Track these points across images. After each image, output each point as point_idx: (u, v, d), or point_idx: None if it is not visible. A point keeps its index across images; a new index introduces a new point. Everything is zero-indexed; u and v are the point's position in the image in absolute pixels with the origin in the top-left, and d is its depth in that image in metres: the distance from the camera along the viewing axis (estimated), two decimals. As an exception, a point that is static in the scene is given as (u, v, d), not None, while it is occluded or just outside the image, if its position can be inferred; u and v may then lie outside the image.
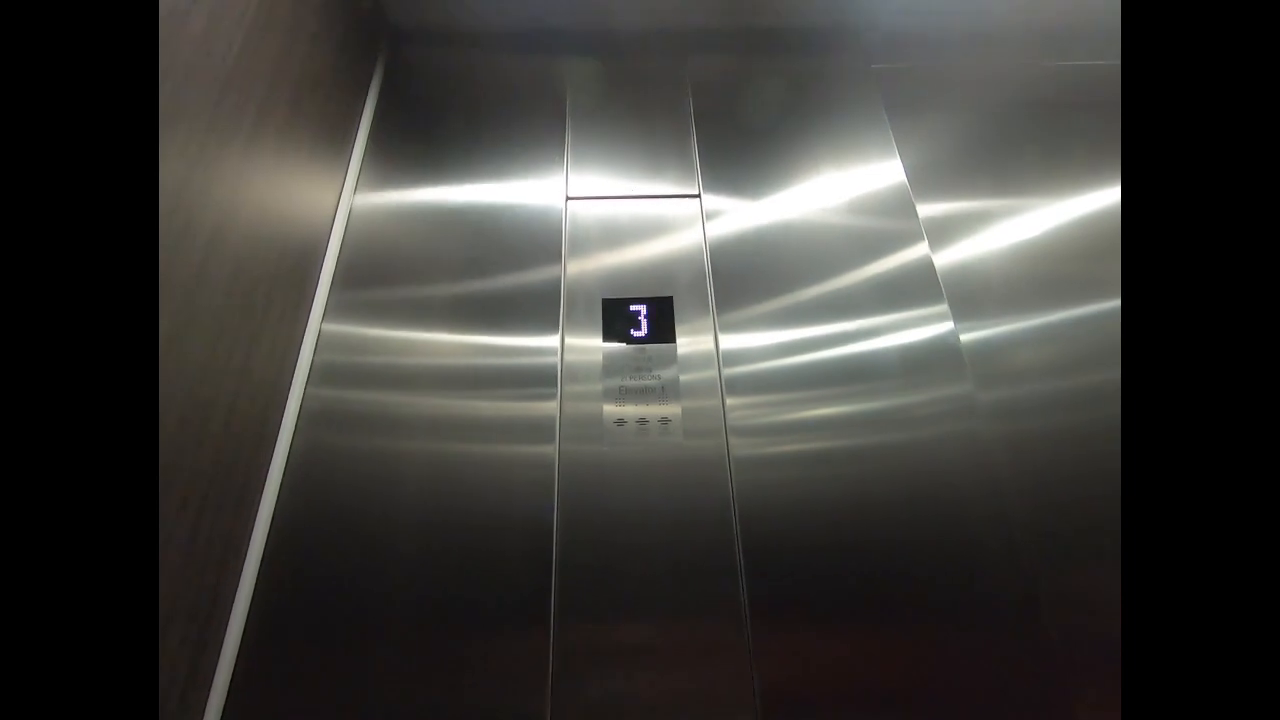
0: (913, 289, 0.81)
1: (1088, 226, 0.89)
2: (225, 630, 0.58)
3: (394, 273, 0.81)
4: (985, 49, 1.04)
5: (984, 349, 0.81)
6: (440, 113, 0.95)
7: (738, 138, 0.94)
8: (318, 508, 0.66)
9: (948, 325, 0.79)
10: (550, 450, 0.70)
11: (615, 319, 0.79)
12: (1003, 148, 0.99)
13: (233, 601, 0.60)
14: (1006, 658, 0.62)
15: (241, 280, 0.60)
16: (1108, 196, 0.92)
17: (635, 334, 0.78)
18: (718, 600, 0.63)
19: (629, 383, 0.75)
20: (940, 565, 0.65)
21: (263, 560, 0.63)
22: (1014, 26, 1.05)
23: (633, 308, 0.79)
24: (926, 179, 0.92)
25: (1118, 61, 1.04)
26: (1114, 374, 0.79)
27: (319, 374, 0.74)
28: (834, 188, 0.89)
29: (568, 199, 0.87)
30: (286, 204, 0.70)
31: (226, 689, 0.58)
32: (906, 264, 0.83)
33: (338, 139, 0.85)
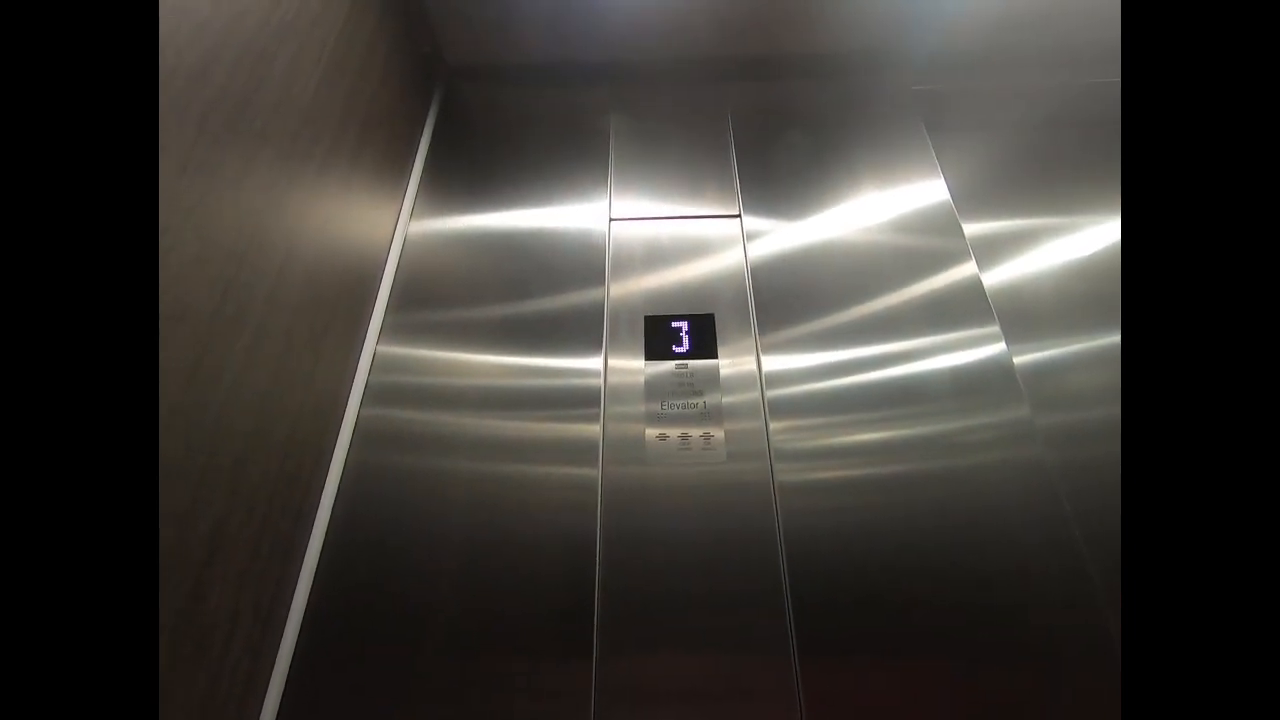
0: (961, 309, 0.80)
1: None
2: (282, 635, 0.60)
3: (445, 296, 0.84)
4: (1025, 68, 1.04)
5: (1039, 371, 0.79)
6: (490, 143, 1.00)
7: (778, 159, 0.95)
8: (369, 524, 0.68)
9: (1000, 346, 0.77)
10: (594, 473, 0.70)
11: (657, 335, 0.80)
12: (1047, 166, 0.98)
13: (289, 607, 0.62)
14: (1069, 697, 0.58)
15: (308, 302, 0.64)
16: None
17: (677, 350, 0.79)
18: (763, 633, 0.61)
19: (671, 404, 0.75)
20: (996, 598, 0.62)
21: (317, 571, 0.65)
22: (1052, 45, 1.04)
23: (675, 324, 0.80)
24: (971, 198, 0.91)
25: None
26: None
27: (373, 393, 0.77)
28: (876, 207, 0.89)
29: (611, 220, 0.89)
30: (348, 231, 0.75)
31: (281, 693, 0.59)
32: (954, 283, 0.82)
33: (396, 170, 0.90)
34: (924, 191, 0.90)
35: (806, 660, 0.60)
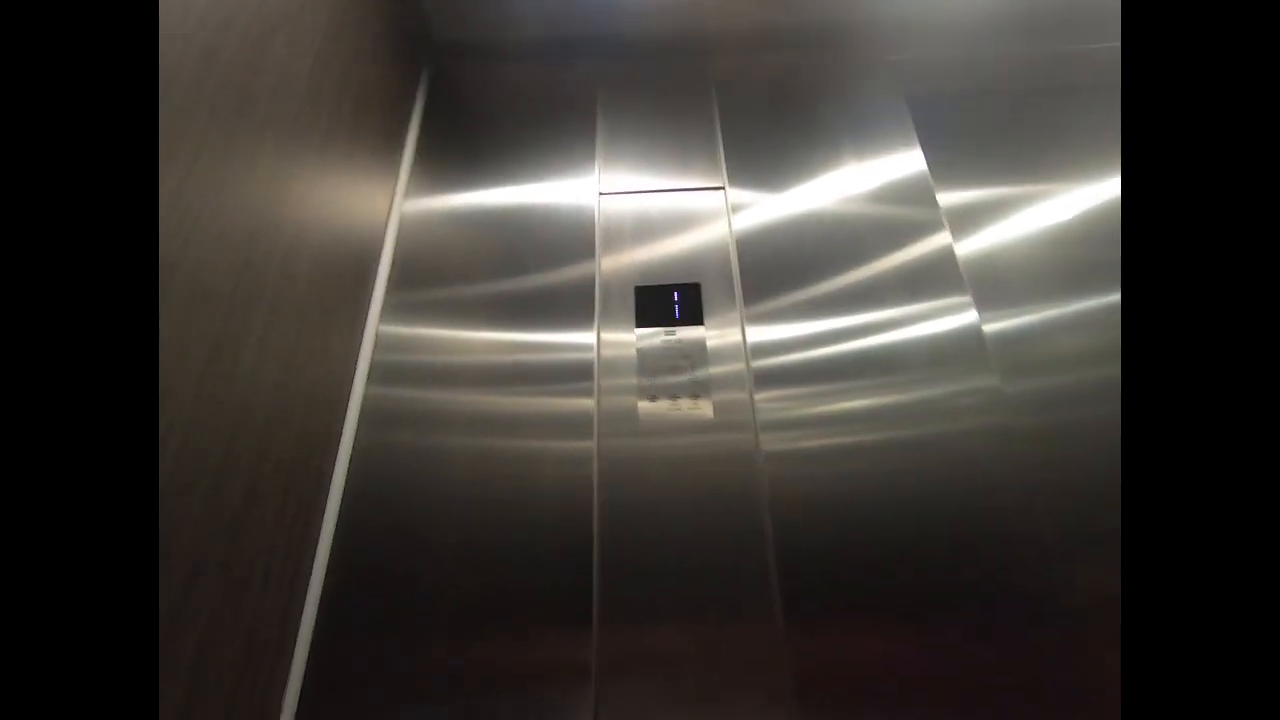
0: (935, 279, 0.84)
1: (1113, 211, 0.90)
2: (305, 599, 0.65)
3: (441, 274, 0.87)
4: (1002, 36, 1.06)
5: (1009, 339, 0.81)
6: (479, 121, 1.01)
7: (761, 131, 0.98)
8: (376, 500, 0.72)
9: (971, 315, 0.81)
10: (589, 445, 0.74)
11: (648, 305, 0.84)
12: (1021, 134, 0.99)
13: (310, 573, 0.66)
14: (1035, 652, 0.62)
15: (316, 280, 0.68)
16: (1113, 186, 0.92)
17: (666, 319, 0.83)
18: (751, 596, 0.65)
19: (662, 376, 0.79)
20: (969, 559, 0.66)
21: (334, 541, 0.69)
22: (1030, 12, 1.06)
23: (664, 294, 0.84)
24: (947, 167, 0.94)
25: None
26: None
27: (378, 372, 0.80)
28: (855, 178, 0.92)
29: (600, 195, 0.92)
30: (348, 210, 0.78)
31: (307, 654, 0.64)
32: (928, 254, 0.86)
33: (390, 149, 0.92)
34: (901, 162, 0.93)
35: (791, 624, 0.64)
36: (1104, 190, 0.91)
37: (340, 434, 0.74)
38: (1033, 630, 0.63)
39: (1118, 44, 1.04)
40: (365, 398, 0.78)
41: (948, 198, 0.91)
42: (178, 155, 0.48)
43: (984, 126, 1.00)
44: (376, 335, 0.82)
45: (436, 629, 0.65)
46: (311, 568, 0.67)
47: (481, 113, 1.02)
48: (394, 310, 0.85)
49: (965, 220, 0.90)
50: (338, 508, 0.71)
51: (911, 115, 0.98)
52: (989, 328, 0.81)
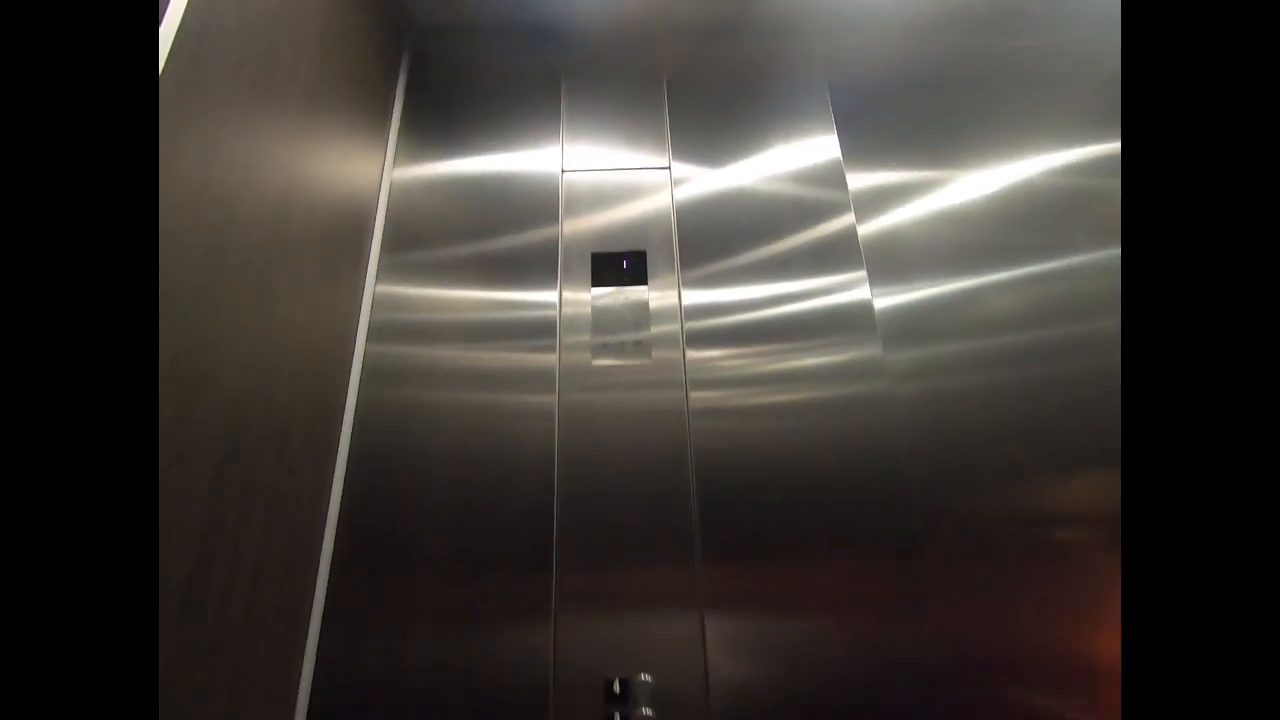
0: (838, 256, 1.01)
1: (1004, 197, 1.05)
2: (322, 542, 0.83)
3: (426, 237, 1.03)
4: (923, 32, 1.19)
5: (897, 313, 0.96)
6: (457, 99, 1.14)
7: (704, 116, 1.12)
8: (376, 455, 0.87)
9: (864, 291, 0.98)
10: (551, 400, 0.91)
11: (602, 268, 1.01)
12: (934, 123, 1.12)
13: (325, 520, 0.84)
14: (892, 572, 0.81)
15: (317, 242, 0.84)
16: (1022, 169, 1.07)
17: (617, 281, 1.01)
18: (677, 534, 0.83)
19: (612, 335, 0.96)
20: (846, 504, 0.84)
21: (343, 495, 0.86)
22: (951, 10, 1.19)
23: (615, 259, 1.02)
24: (861, 152, 1.09)
25: (1045, 42, 1.19)
26: (1013, 338, 0.95)
27: (376, 330, 0.96)
28: (780, 160, 1.09)
29: (563, 171, 1.08)
30: (347, 178, 0.93)
31: (325, 594, 0.81)
32: (834, 232, 1.03)
33: (378, 124, 1.06)
34: (819, 147, 1.10)
35: (708, 559, 0.82)
36: (998, 177, 1.06)
37: (347, 386, 0.92)
38: (888, 555, 0.82)
39: (1034, 42, 1.17)
40: (366, 354, 0.95)
41: (859, 180, 1.07)
42: (188, 131, 0.58)
43: (899, 115, 1.13)
44: (374, 295, 0.99)
45: (426, 558, 0.82)
46: (327, 516, 0.84)
47: (458, 92, 1.15)
48: (388, 271, 1.01)
49: (872, 202, 1.05)
50: (346, 457, 0.87)
51: (832, 103, 1.13)
52: (881, 302, 0.97)
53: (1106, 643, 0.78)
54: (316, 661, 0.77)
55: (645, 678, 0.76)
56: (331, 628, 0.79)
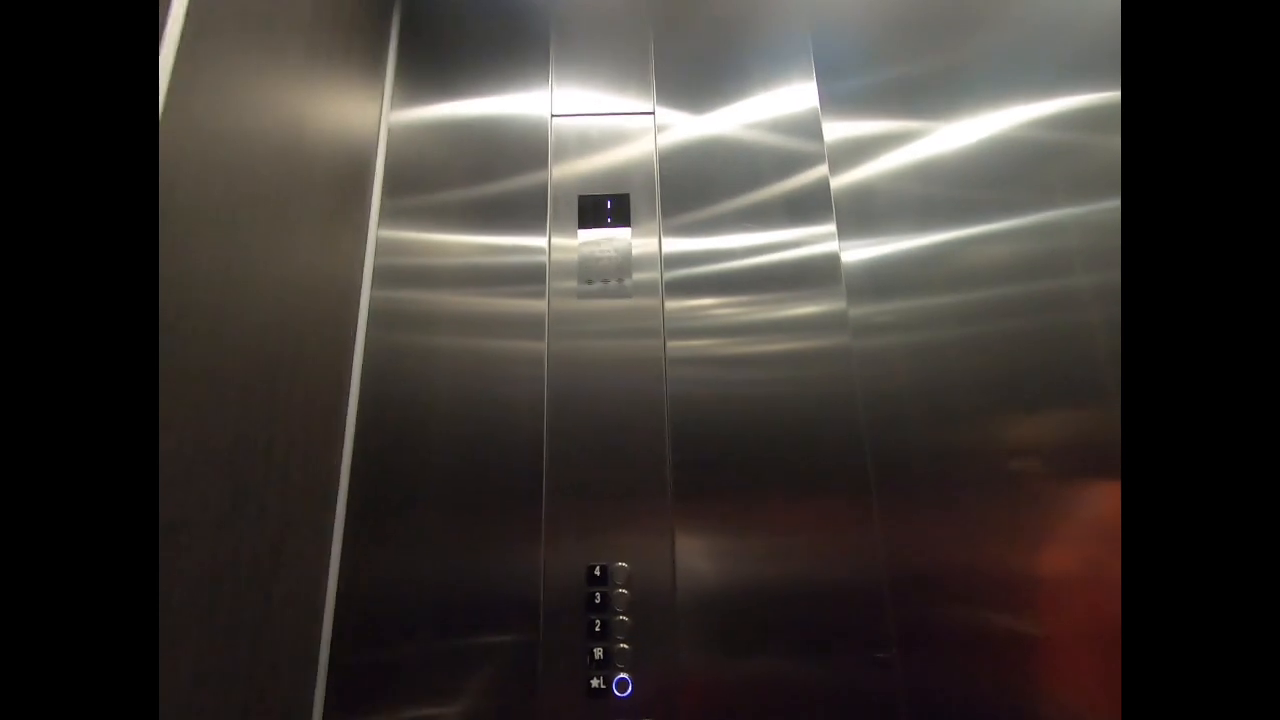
0: (810, 207, 1.06)
1: (980, 149, 1.08)
2: (340, 477, 0.95)
3: (423, 181, 1.10)
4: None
5: (865, 267, 1.02)
6: (449, 44, 1.18)
7: (687, 63, 1.17)
8: (382, 399, 0.97)
9: (833, 244, 1.05)
10: (541, 346, 1.00)
11: (587, 211, 1.09)
12: (916, 69, 1.14)
13: (341, 461, 0.95)
14: (842, 512, 0.91)
15: (324, 186, 0.92)
16: (994, 123, 1.10)
17: (601, 224, 1.09)
18: (650, 477, 0.93)
19: (596, 281, 1.04)
20: (805, 444, 0.93)
21: (355, 435, 0.95)
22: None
23: (600, 201, 1.09)
24: (839, 102, 1.13)
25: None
26: (971, 294, 1.01)
27: (379, 276, 1.04)
28: (758, 108, 1.13)
29: (552, 116, 1.14)
30: (347, 120, 0.99)
31: (344, 526, 0.93)
32: (807, 184, 1.08)
33: (375, 67, 1.10)
34: (797, 95, 1.14)
35: (678, 498, 0.92)
36: (975, 128, 1.09)
37: (356, 327, 1.00)
38: (840, 493, 0.92)
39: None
40: (372, 299, 1.03)
41: (835, 129, 1.12)
42: (199, 74, 0.61)
43: (880, 61, 1.17)
44: (377, 240, 1.07)
45: (429, 494, 0.94)
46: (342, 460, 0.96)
47: (451, 36, 1.18)
48: (390, 215, 1.09)
49: (847, 153, 1.09)
50: (357, 398, 0.98)
51: (813, 49, 1.17)
52: (848, 255, 1.04)
53: (1044, 559, 0.90)
54: (341, 561, 0.91)
55: (622, 564, 0.90)
56: (354, 529, 0.93)
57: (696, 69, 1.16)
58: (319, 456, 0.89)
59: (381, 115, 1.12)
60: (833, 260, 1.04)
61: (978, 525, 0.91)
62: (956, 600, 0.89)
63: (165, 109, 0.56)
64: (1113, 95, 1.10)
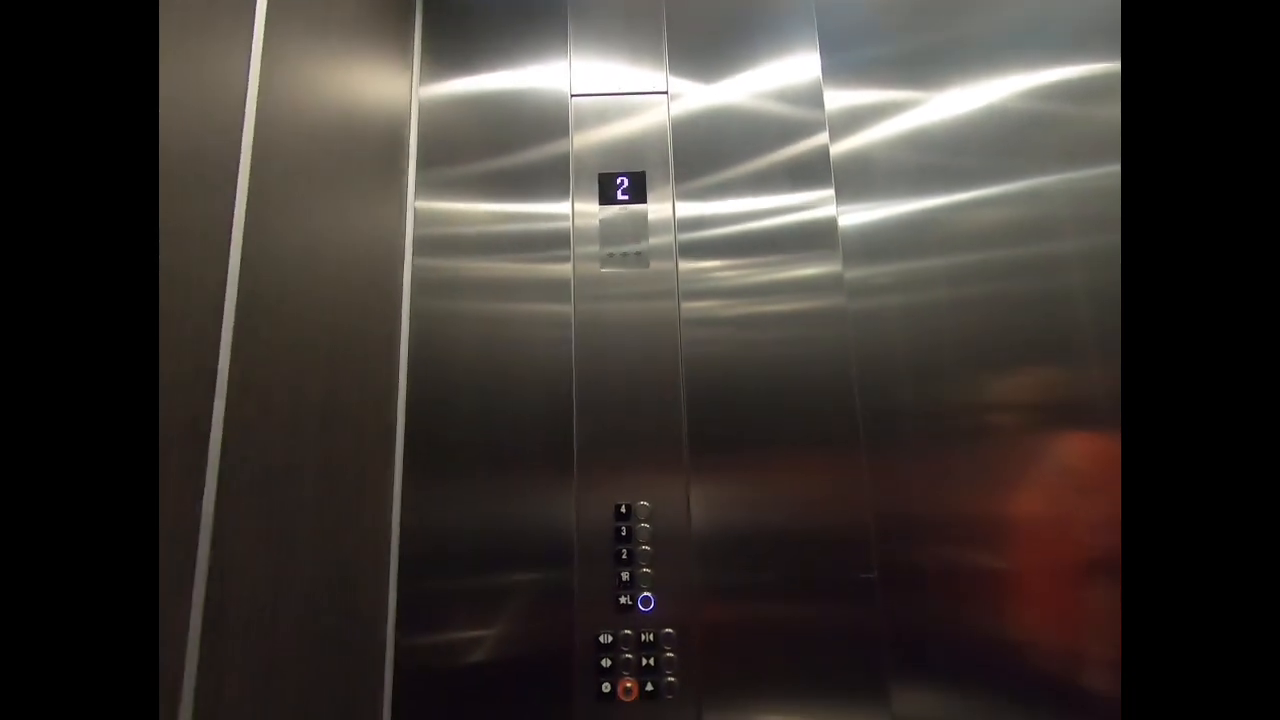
0: (811, 174, 1.14)
1: (975, 118, 1.14)
2: (396, 429, 1.08)
3: (453, 153, 1.19)
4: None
5: (861, 231, 1.10)
6: (473, 19, 1.24)
7: (699, 39, 1.22)
8: (427, 362, 1.09)
9: (830, 209, 1.13)
10: (568, 309, 1.11)
11: (606, 187, 1.18)
12: (919, 38, 1.19)
13: (396, 417, 1.08)
14: (835, 459, 1.03)
15: (369, 159, 1.01)
16: (988, 93, 1.15)
17: (620, 199, 1.17)
18: (668, 431, 1.05)
19: (617, 248, 1.13)
20: (806, 399, 1.04)
21: (407, 392, 1.09)
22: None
23: (618, 178, 1.18)
24: (841, 71, 1.19)
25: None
26: (960, 258, 1.09)
27: (419, 244, 1.14)
28: (766, 79, 1.20)
29: (571, 96, 1.21)
30: (379, 94, 1.06)
31: (402, 471, 1.08)
32: (808, 151, 1.16)
33: (402, 43, 1.17)
34: (800, 65, 1.20)
35: (692, 443, 1.04)
36: (970, 98, 1.15)
37: (401, 295, 1.11)
38: (834, 446, 1.03)
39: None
40: (415, 267, 1.13)
41: (836, 98, 1.19)
42: (276, 65, 0.69)
43: (882, 32, 1.22)
44: (415, 211, 1.17)
45: (464, 457, 1.06)
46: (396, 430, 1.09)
47: (475, 19, 1.24)
48: (424, 186, 1.18)
49: (847, 121, 1.17)
50: (407, 359, 1.10)
51: (818, 20, 1.22)
52: (845, 220, 1.12)
53: (1014, 502, 1.02)
54: (401, 509, 1.05)
55: (644, 502, 1.04)
56: (412, 473, 1.07)
57: (707, 41, 1.22)
58: (381, 412, 1.02)
59: (412, 90, 1.20)
60: (831, 224, 1.12)
61: (957, 472, 1.04)
62: (933, 536, 1.02)
63: (258, 94, 0.66)
64: (1102, 67, 1.15)
